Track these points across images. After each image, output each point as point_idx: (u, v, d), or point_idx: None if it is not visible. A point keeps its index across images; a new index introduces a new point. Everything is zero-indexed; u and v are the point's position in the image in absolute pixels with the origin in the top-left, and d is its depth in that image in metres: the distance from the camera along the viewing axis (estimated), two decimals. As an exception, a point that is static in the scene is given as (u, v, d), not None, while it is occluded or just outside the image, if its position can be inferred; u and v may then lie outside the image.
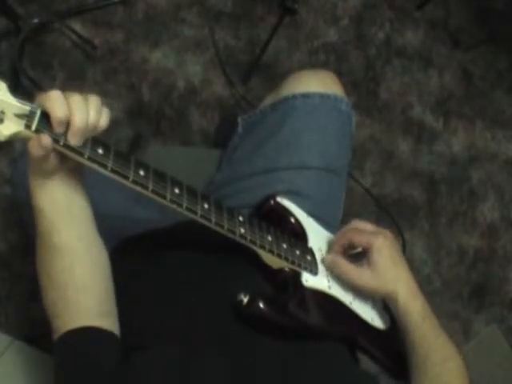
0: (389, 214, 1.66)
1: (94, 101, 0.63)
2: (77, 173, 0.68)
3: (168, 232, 0.92)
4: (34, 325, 1.43)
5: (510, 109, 1.81)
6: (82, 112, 0.60)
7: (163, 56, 1.65)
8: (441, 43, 1.81)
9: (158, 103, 1.62)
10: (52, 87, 1.64)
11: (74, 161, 0.64)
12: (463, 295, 1.69)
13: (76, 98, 0.61)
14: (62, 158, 0.63)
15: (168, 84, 1.63)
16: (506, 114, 1.80)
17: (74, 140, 0.61)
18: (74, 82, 1.57)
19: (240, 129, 1.05)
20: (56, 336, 0.68)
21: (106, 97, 1.59)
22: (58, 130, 0.60)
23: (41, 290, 0.69)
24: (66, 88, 1.65)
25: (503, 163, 1.77)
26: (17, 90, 1.57)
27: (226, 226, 0.71)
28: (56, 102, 0.59)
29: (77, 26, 1.60)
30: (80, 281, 0.68)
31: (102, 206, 0.82)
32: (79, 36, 1.57)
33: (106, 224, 0.85)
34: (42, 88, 1.52)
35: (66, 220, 0.67)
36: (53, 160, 0.62)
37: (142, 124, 1.60)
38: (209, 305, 0.76)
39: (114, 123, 1.58)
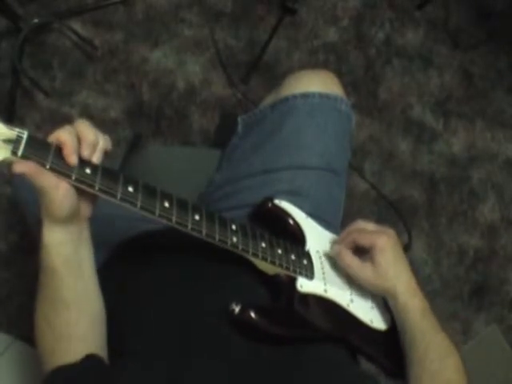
0: (396, 211, 1.65)
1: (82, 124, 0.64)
2: (87, 227, 0.69)
3: (167, 234, 0.92)
4: (34, 325, 1.43)
5: (510, 109, 1.81)
6: (89, 130, 0.63)
7: (163, 56, 1.65)
8: (441, 43, 1.82)
9: (158, 103, 1.62)
10: (52, 87, 1.63)
11: (86, 209, 0.66)
12: (463, 295, 1.69)
13: (82, 124, 0.63)
14: (75, 206, 0.64)
15: (168, 84, 1.63)
16: (506, 113, 1.80)
17: (86, 152, 0.62)
18: (74, 82, 1.57)
19: (240, 129, 1.05)
20: (46, 372, 0.68)
21: (106, 97, 1.59)
22: (71, 159, 0.60)
23: (38, 336, 0.70)
24: (66, 88, 1.64)
25: (503, 163, 1.78)
26: (17, 89, 1.56)
27: (217, 237, 0.71)
28: (68, 132, 0.61)
29: (77, 26, 1.60)
30: (83, 332, 0.69)
31: (102, 207, 0.82)
32: (79, 36, 1.57)
33: (106, 225, 0.85)
34: (41, 88, 1.53)
35: (76, 276, 0.68)
36: (66, 205, 0.62)
37: (141, 124, 1.60)
38: (206, 309, 0.75)
39: (114, 123, 1.60)
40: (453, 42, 1.82)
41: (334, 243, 0.87)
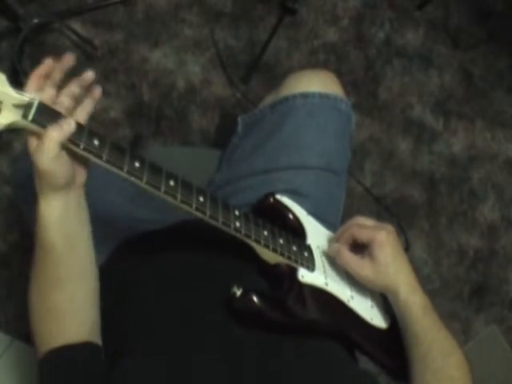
0: (391, 214, 1.66)
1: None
2: (83, 196, 0.69)
3: (167, 232, 0.92)
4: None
5: (510, 109, 1.81)
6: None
7: (163, 56, 1.65)
8: (441, 43, 1.82)
9: (158, 103, 1.62)
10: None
11: (81, 175, 0.66)
12: (463, 295, 1.69)
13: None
14: (71, 172, 0.64)
15: (168, 84, 1.63)
16: (506, 113, 1.80)
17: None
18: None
19: (240, 129, 1.05)
20: (42, 353, 0.69)
21: (106, 97, 1.59)
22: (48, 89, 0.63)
23: (32, 315, 0.70)
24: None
25: (503, 163, 1.78)
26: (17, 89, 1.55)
27: (220, 220, 0.71)
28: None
29: (77, 26, 1.60)
30: (78, 307, 0.69)
31: (103, 208, 0.82)
32: (79, 36, 1.57)
33: (106, 225, 0.85)
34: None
35: (73, 253, 0.68)
36: (62, 171, 0.62)
37: (142, 124, 1.60)
38: (207, 304, 0.76)
39: (114, 123, 1.60)
40: (453, 42, 1.82)
41: (332, 240, 0.87)
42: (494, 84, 1.81)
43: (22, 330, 1.42)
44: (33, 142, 0.61)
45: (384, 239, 0.79)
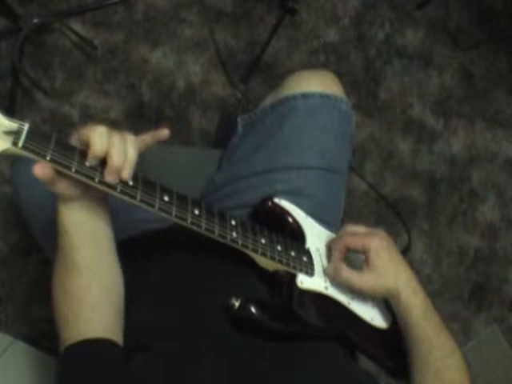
0: (394, 212, 1.65)
1: (131, 140, 0.67)
2: (102, 200, 0.71)
3: (168, 232, 0.92)
4: (33, 325, 1.43)
5: (510, 109, 1.81)
6: (119, 153, 0.63)
7: (163, 56, 1.65)
8: (441, 43, 1.82)
9: (158, 103, 1.62)
10: (52, 87, 1.62)
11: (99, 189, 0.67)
12: (463, 295, 1.69)
13: (117, 138, 0.64)
14: (87, 186, 0.65)
15: (168, 84, 1.63)
16: (506, 114, 1.80)
17: (109, 178, 0.63)
18: (74, 82, 1.57)
19: (240, 129, 1.05)
20: (62, 347, 0.69)
21: (106, 97, 1.59)
22: (91, 162, 0.62)
23: (53, 303, 0.71)
24: (66, 88, 1.64)
25: (503, 163, 1.78)
26: (17, 89, 1.55)
27: (216, 232, 0.71)
28: (99, 137, 0.63)
29: (77, 26, 1.60)
30: (95, 299, 0.70)
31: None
32: (79, 36, 1.57)
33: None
34: (42, 88, 1.53)
35: (89, 241, 0.70)
36: (75, 187, 0.65)
37: (142, 124, 1.60)
38: (207, 306, 0.76)
39: (114, 123, 1.59)
40: (453, 42, 1.82)
41: (329, 246, 0.86)
42: (494, 84, 1.81)
43: (22, 330, 1.42)
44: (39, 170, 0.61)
45: (378, 246, 0.79)
